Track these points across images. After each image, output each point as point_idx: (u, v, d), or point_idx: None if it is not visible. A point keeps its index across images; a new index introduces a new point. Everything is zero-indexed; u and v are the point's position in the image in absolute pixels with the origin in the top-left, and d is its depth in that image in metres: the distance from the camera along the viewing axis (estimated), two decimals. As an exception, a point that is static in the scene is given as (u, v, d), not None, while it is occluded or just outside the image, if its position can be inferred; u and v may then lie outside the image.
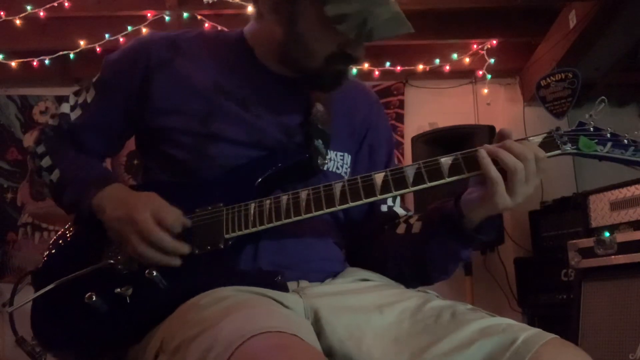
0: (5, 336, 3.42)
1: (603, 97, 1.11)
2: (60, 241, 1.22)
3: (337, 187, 1.07)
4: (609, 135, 1.08)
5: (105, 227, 1.11)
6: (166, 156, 1.18)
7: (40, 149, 1.26)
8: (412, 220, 1.19)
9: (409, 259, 1.17)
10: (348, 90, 1.23)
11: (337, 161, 1.24)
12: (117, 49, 1.29)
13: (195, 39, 1.25)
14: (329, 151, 1.22)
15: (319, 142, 1.18)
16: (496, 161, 1.01)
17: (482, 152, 1.02)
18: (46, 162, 1.23)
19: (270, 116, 1.19)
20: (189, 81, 1.18)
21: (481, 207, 1.05)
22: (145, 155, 1.27)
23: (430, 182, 1.04)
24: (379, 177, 1.07)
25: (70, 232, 1.22)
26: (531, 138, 1.07)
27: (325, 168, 1.21)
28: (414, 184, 1.05)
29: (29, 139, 3.89)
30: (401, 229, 1.20)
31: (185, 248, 1.06)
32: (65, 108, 1.26)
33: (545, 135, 1.08)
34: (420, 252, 1.14)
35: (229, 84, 1.19)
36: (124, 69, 1.22)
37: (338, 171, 1.24)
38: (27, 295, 1.13)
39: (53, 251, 1.21)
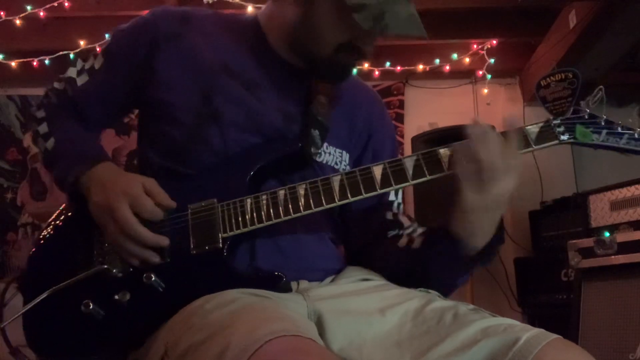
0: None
1: (601, 86, 1.11)
2: (47, 239, 1.17)
3: (336, 181, 1.05)
4: (603, 123, 1.08)
5: (90, 208, 1.08)
6: (163, 135, 1.16)
7: (40, 113, 1.24)
8: (414, 235, 1.17)
9: (408, 272, 1.15)
10: (351, 89, 1.22)
11: (336, 156, 1.22)
12: None
13: (209, 17, 1.24)
14: (326, 144, 1.20)
15: (315, 133, 1.16)
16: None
17: (456, 148, 1.03)
18: (43, 128, 1.21)
19: (273, 102, 1.17)
20: (195, 57, 1.17)
21: (457, 213, 1.03)
22: (143, 134, 1.25)
23: (430, 175, 1.04)
24: (377, 170, 1.05)
25: (55, 228, 1.18)
26: (528, 127, 1.08)
27: (322, 160, 1.19)
28: (414, 177, 1.04)
29: (29, 139, 3.89)
30: (403, 242, 1.18)
31: (164, 241, 1.04)
32: (72, 72, 1.24)
33: (542, 124, 1.08)
34: (419, 267, 1.13)
35: (235, 65, 1.18)
36: (132, 40, 1.20)
37: (337, 166, 1.22)
38: (20, 301, 1.10)
39: (39, 252, 1.16)
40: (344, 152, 1.24)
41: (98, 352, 1.07)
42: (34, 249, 1.18)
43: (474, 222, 1.03)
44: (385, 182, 1.04)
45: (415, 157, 1.05)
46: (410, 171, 1.04)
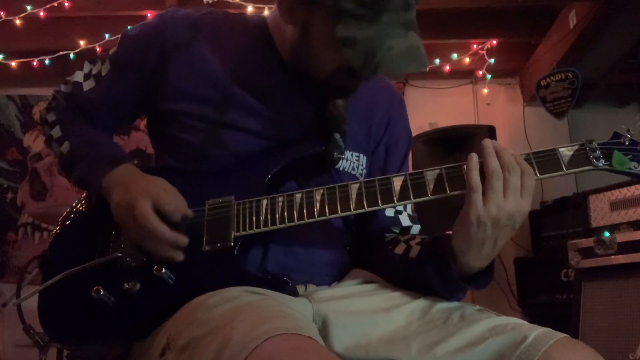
0: (5, 336, 3.41)
1: None
2: (68, 226, 1.20)
3: (353, 190, 1.03)
4: None
5: (112, 211, 1.09)
6: (178, 141, 1.15)
7: (51, 117, 1.23)
8: (412, 242, 1.13)
9: (405, 280, 1.13)
10: (369, 86, 1.17)
11: (353, 161, 1.20)
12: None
13: (218, 23, 1.20)
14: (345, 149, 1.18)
15: (337, 136, 1.14)
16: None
17: (472, 156, 0.98)
18: (56, 132, 1.21)
19: (288, 110, 1.16)
20: (205, 67, 1.15)
21: (459, 224, 0.99)
22: (156, 140, 1.24)
23: (451, 191, 1.00)
24: (397, 181, 1.02)
25: (77, 215, 1.20)
26: (561, 149, 1.01)
27: (340, 167, 1.17)
28: (434, 192, 1.00)
29: (29, 139, 3.89)
30: (400, 249, 1.14)
31: (182, 240, 1.04)
32: (78, 76, 1.23)
33: (577, 147, 1.01)
34: (414, 277, 1.10)
35: (246, 74, 1.16)
36: (140, 48, 1.18)
37: (353, 172, 1.20)
38: (29, 291, 1.14)
39: (60, 237, 1.19)
40: (362, 155, 1.22)
41: (105, 338, 1.08)
42: (56, 232, 1.20)
43: (472, 236, 0.97)
44: (404, 195, 1.01)
45: (438, 170, 1.01)
46: (431, 185, 1.00)
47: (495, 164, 0.96)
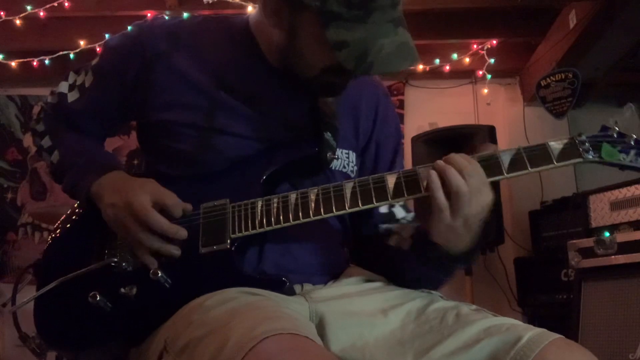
0: (5, 336, 3.41)
1: (630, 103, 1.07)
2: (63, 232, 1.20)
3: (348, 188, 1.04)
4: (632, 142, 1.03)
5: (103, 215, 1.09)
6: (169, 148, 1.15)
7: (40, 127, 1.25)
8: (405, 234, 1.15)
9: (398, 271, 1.15)
10: (355, 84, 1.18)
11: (343, 159, 1.21)
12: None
13: (198, 29, 1.19)
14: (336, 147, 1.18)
15: (328, 135, 1.14)
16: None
17: (433, 174, 0.99)
18: (46, 142, 1.22)
19: (276, 112, 1.16)
20: (188, 76, 1.14)
21: (431, 227, 1.02)
22: (146, 147, 1.24)
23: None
24: (391, 179, 1.03)
25: (72, 222, 1.21)
26: (551, 143, 1.03)
27: (333, 166, 1.18)
28: (428, 188, 1.01)
29: (29, 139, 3.89)
30: (393, 240, 1.17)
31: (182, 232, 1.04)
32: (63, 87, 1.24)
33: (566, 140, 1.03)
34: (408, 268, 1.12)
35: (232, 79, 1.15)
36: (121, 58, 1.18)
37: (344, 170, 1.21)
38: (26, 295, 1.14)
39: (55, 243, 1.19)
40: (351, 152, 1.23)
41: (102, 344, 1.09)
42: (50, 240, 1.20)
43: (446, 237, 1.01)
44: (398, 192, 1.02)
45: (430, 167, 1.02)
46: (424, 182, 1.01)
47: (459, 181, 0.97)
